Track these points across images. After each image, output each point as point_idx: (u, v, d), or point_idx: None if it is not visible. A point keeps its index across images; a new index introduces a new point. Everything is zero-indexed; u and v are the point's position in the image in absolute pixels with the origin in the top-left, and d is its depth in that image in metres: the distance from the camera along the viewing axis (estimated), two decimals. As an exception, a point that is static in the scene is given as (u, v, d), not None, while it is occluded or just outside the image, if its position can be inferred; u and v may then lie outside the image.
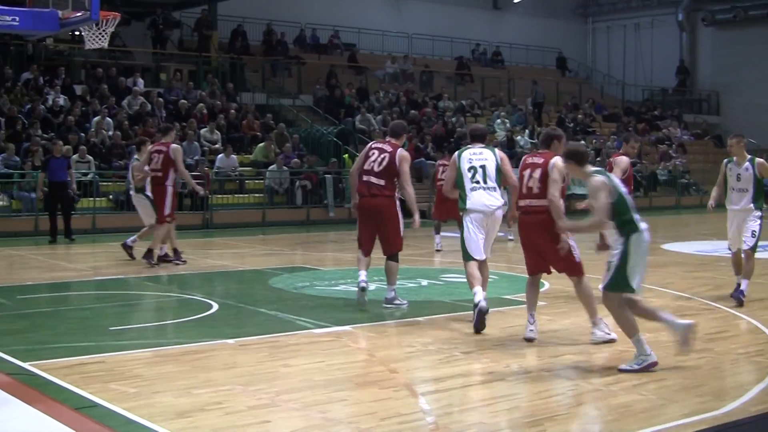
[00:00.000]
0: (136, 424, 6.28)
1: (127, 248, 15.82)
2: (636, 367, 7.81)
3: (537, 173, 9.11)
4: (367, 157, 11.11)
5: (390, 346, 8.97)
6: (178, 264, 15.28)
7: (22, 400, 6.81)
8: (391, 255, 11.25)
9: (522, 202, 9.31)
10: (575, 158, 8.28)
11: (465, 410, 6.90)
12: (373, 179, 10.95)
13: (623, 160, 11.67)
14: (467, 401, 7.14)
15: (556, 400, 7.15)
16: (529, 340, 9.07)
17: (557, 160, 8.98)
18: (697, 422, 6.34)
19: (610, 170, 10.74)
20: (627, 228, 7.83)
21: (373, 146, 11.29)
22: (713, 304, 11.50)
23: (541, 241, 9.14)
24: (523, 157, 9.64)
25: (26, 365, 7.91)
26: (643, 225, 7.86)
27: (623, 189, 8.05)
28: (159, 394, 7.05)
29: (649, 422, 6.46)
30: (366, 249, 11.20)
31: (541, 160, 9.20)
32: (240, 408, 6.69)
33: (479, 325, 9.56)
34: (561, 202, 8.95)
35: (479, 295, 9.73)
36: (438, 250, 18.07)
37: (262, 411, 6.65)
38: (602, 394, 7.30)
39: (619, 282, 7.84)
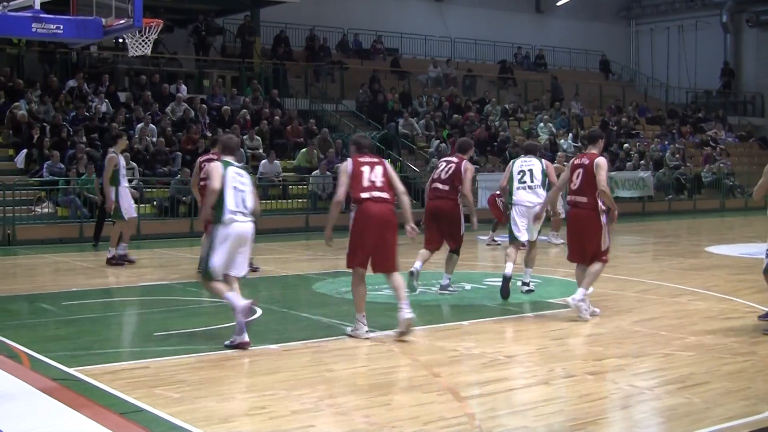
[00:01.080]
0: (181, 429, 6.34)
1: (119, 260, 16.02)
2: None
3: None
4: (437, 168, 12.74)
5: (433, 350, 8.97)
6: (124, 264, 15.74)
7: (69, 405, 6.88)
8: (453, 249, 12.57)
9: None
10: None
11: (508, 414, 6.89)
12: (440, 185, 12.34)
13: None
14: (511, 405, 7.13)
15: (600, 404, 7.13)
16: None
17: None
18: (741, 425, 6.30)
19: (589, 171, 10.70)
20: None
21: (442, 160, 12.92)
22: (758, 306, 11.38)
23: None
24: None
25: (71, 371, 7.99)
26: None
27: None
28: (203, 399, 7.11)
29: (693, 426, 6.43)
30: (430, 247, 12.68)
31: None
32: (283, 413, 6.73)
33: (504, 292, 11.85)
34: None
35: (508, 268, 11.94)
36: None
37: (306, 416, 6.68)
38: (647, 398, 7.27)
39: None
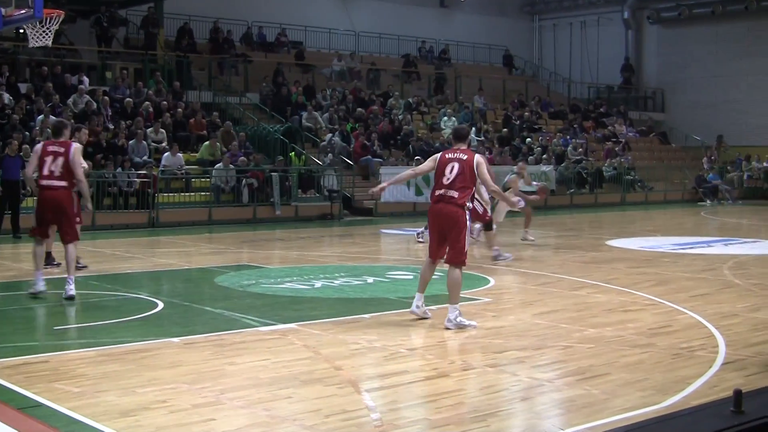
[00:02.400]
0: (81, 424, 6.24)
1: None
2: None
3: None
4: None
5: (335, 343, 8.97)
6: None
7: (-37, 402, 6.73)
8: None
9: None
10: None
11: (409, 406, 6.92)
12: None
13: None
14: (412, 397, 7.16)
15: (499, 396, 7.19)
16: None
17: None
18: (639, 416, 6.41)
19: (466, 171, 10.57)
20: None
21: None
22: (656, 299, 11.64)
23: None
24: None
25: (-33, 366, 7.81)
26: None
27: None
28: (103, 393, 7.00)
29: (592, 416, 6.52)
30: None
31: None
32: (185, 406, 6.67)
33: None
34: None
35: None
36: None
37: (207, 409, 6.62)
38: (546, 389, 7.36)
39: None
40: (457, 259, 9.92)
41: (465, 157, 9.98)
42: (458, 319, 9.62)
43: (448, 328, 9.55)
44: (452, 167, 9.96)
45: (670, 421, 3.42)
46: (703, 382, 7.46)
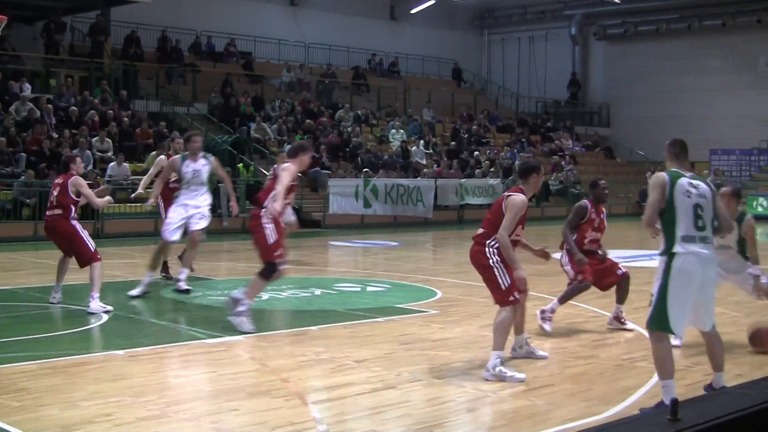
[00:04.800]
0: (21, 438, 6.17)
1: None
2: None
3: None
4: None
5: (282, 355, 8.95)
6: None
7: None
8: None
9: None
10: None
11: (356, 418, 6.93)
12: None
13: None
14: (358, 409, 7.17)
15: (446, 407, 7.24)
16: None
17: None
18: (582, 426, 6.48)
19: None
20: None
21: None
22: (600, 311, 11.75)
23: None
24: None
25: None
26: None
27: None
28: (45, 407, 6.92)
29: (536, 427, 6.60)
30: None
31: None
32: (129, 419, 6.62)
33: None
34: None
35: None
36: None
37: (152, 422, 6.58)
38: (491, 400, 7.42)
39: None
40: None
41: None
42: (497, 369, 8.09)
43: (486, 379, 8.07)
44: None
45: (610, 429, 3.48)
46: (644, 392, 7.59)
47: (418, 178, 30.44)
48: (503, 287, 8.24)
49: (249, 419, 6.73)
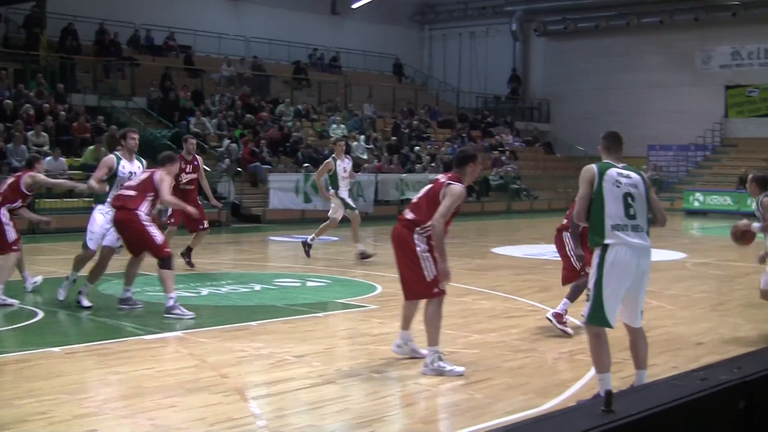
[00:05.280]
0: (-48, 439, 6.08)
1: None
2: None
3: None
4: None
5: (221, 351, 8.91)
6: None
7: None
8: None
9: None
10: None
11: (295, 413, 6.92)
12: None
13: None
14: (298, 404, 7.16)
15: (385, 401, 7.26)
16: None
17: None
18: (520, 419, 6.53)
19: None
20: None
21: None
22: (539, 305, 11.86)
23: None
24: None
25: None
26: None
27: None
28: (-23, 405, 6.83)
29: (475, 420, 6.64)
30: None
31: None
32: (65, 417, 6.54)
33: None
34: None
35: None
36: None
37: (89, 420, 6.52)
38: (431, 394, 7.45)
39: None
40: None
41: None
42: (436, 364, 8.10)
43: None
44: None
45: (545, 421, 3.51)
46: (582, 384, 7.68)
47: (359, 173, 30.43)
48: (428, 279, 8.15)
49: (187, 415, 6.69)
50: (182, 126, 30.03)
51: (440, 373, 7.96)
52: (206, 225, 15.45)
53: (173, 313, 10.60)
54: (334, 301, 12.25)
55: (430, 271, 8.14)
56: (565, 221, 10.11)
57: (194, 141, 16.20)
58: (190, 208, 12.82)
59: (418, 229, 8.16)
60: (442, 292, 8.22)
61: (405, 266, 8.28)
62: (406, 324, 8.67)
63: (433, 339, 8.12)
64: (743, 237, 10.15)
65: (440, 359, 8.08)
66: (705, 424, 4.00)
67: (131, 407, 6.86)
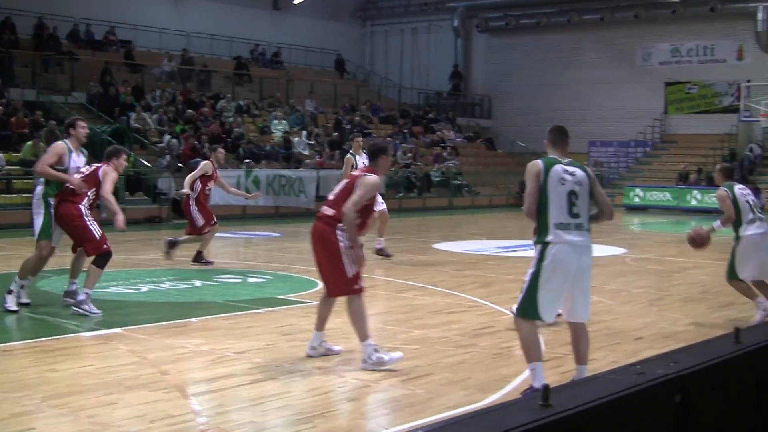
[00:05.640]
0: None
1: None
2: None
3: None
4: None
5: (161, 347, 8.86)
6: None
7: None
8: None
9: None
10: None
11: (236, 410, 6.91)
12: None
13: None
14: (239, 401, 7.14)
15: (326, 397, 7.28)
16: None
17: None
18: (460, 414, 6.58)
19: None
20: None
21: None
22: (480, 300, 11.94)
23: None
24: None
25: None
26: None
27: None
28: None
29: (416, 416, 6.67)
30: None
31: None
32: (2, 416, 6.48)
33: None
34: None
35: None
36: None
37: (27, 418, 6.46)
38: (372, 390, 7.48)
39: None
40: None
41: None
42: (374, 357, 8.11)
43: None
44: None
45: (484, 416, 3.54)
46: (522, 380, 7.73)
47: (300, 169, 30.39)
48: (349, 275, 8.19)
49: (127, 413, 6.66)
50: (122, 121, 29.78)
51: (381, 364, 8.01)
52: (215, 221, 15.70)
53: (81, 308, 10.45)
54: (275, 297, 12.23)
55: (350, 267, 8.19)
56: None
57: (223, 152, 17.40)
58: (120, 214, 11.94)
59: (340, 225, 8.20)
60: (363, 289, 8.31)
61: (325, 263, 8.33)
62: (320, 325, 8.68)
63: (363, 334, 8.17)
64: (704, 245, 10.48)
65: (376, 351, 8.11)
66: (642, 418, 4.06)
67: (70, 405, 6.80)
